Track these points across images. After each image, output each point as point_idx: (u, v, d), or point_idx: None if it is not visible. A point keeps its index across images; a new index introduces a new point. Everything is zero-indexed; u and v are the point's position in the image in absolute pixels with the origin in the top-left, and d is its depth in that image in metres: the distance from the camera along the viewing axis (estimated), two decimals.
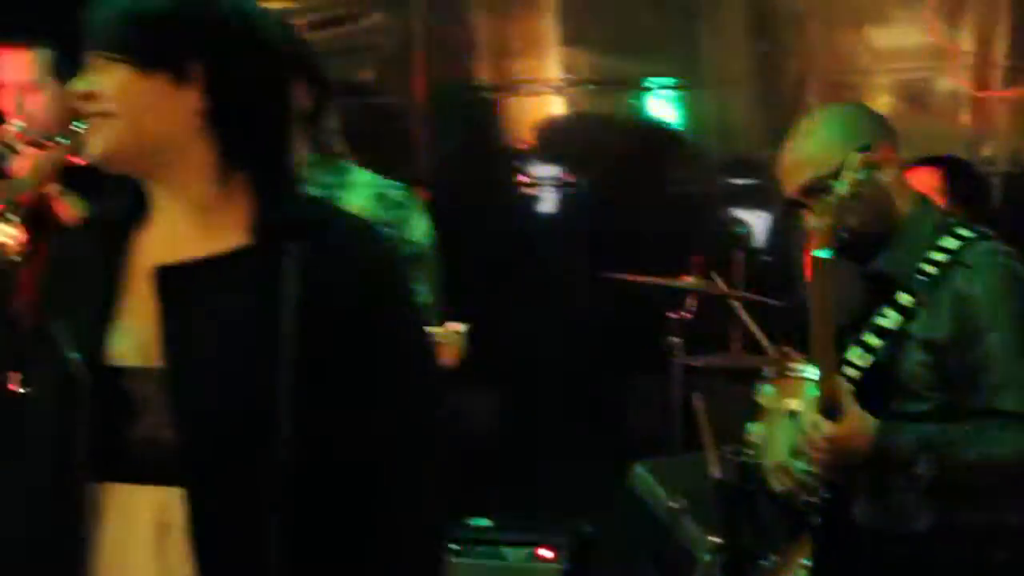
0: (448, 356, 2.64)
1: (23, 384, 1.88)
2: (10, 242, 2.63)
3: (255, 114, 1.77)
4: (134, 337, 1.77)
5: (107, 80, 1.73)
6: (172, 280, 1.76)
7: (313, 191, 2.40)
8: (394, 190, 2.87)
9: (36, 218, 2.84)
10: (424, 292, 2.74)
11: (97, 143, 1.75)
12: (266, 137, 1.79)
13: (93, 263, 1.83)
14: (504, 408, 5.68)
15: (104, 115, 1.74)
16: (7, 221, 2.65)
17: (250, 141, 1.77)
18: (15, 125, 3.20)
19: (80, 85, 1.76)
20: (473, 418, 5.29)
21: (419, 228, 2.86)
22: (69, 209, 3.10)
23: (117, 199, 1.85)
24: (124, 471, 1.76)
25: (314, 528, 1.73)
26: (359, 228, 1.86)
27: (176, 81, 1.73)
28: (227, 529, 1.72)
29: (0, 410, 1.88)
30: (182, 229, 1.79)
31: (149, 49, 1.72)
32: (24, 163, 3.08)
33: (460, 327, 2.72)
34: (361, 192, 2.82)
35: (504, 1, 5.77)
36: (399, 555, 1.79)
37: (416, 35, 5.71)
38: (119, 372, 1.77)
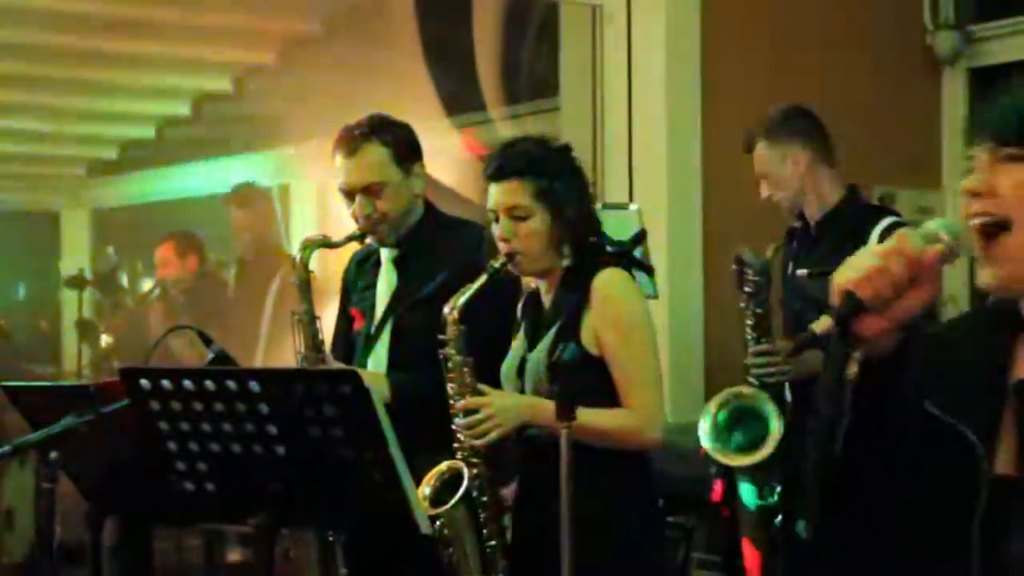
0: None
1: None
2: None
3: None
4: (1009, 449, 1.65)
5: (1003, 179, 1.56)
6: None
7: None
8: None
9: None
10: None
11: (991, 270, 1.60)
12: None
13: (981, 365, 1.71)
14: None
15: (995, 231, 1.56)
16: None
17: None
18: None
19: (970, 182, 1.59)
20: None
21: None
22: None
23: None
24: None
25: None
26: None
27: None
28: None
29: None
30: None
31: None
32: None
33: None
34: None
35: None
36: None
37: None
38: (1000, 484, 1.65)
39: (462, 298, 3.06)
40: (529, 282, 3.24)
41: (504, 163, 3.07)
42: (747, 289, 3.79)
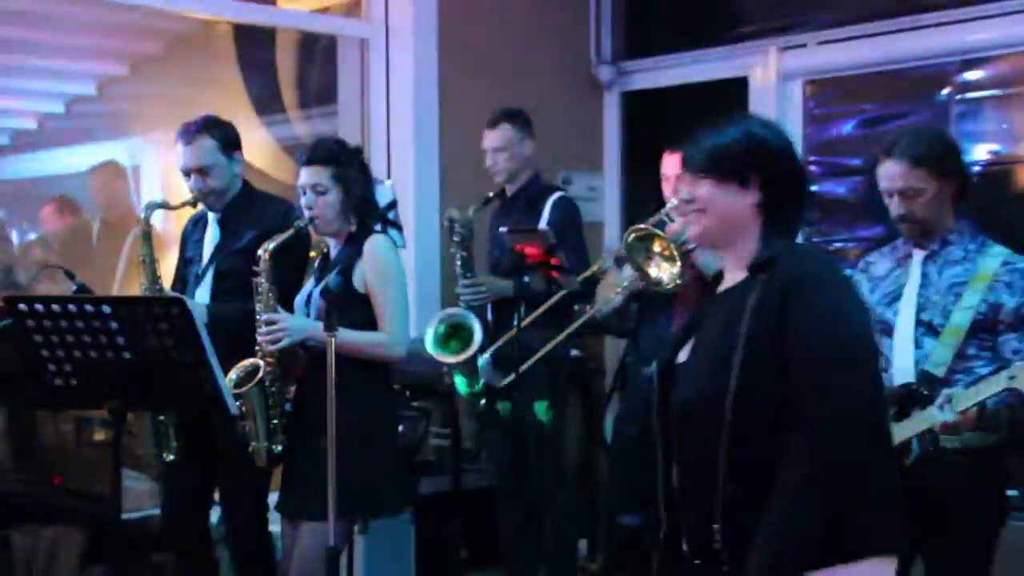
0: None
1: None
2: (667, 277, 2.79)
3: (788, 200, 2.01)
4: (689, 345, 2.06)
5: (698, 189, 2.00)
6: (705, 308, 2.06)
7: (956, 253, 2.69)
8: (1020, 261, 2.72)
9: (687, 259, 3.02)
10: None
11: (694, 230, 2.04)
12: (793, 213, 2.02)
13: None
14: None
15: (698, 212, 2.01)
16: (670, 261, 2.73)
17: (783, 216, 2.00)
18: (672, 203, 3.42)
19: (682, 193, 2.06)
20: None
21: None
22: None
23: None
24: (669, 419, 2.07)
25: (748, 461, 1.89)
26: (797, 258, 1.94)
27: (742, 186, 1.98)
28: (694, 453, 1.97)
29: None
30: (730, 274, 2.05)
31: (726, 170, 1.98)
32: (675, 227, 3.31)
33: None
34: (993, 259, 2.72)
35: None
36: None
37: None
38: (676, 367, 2.06)
39: (273, 243, 3.11)
40: (323, 246, 3.31)
41: (312, 154, 3.14)
42: (455, 239, 3.97)
